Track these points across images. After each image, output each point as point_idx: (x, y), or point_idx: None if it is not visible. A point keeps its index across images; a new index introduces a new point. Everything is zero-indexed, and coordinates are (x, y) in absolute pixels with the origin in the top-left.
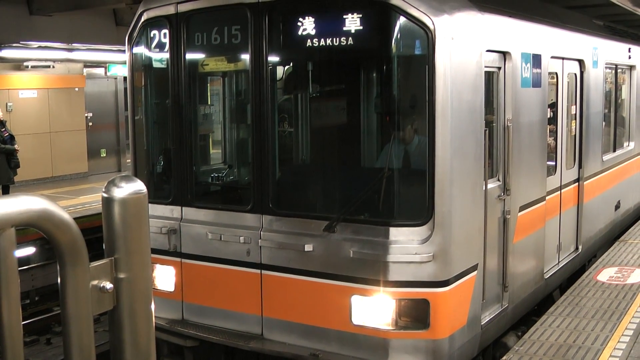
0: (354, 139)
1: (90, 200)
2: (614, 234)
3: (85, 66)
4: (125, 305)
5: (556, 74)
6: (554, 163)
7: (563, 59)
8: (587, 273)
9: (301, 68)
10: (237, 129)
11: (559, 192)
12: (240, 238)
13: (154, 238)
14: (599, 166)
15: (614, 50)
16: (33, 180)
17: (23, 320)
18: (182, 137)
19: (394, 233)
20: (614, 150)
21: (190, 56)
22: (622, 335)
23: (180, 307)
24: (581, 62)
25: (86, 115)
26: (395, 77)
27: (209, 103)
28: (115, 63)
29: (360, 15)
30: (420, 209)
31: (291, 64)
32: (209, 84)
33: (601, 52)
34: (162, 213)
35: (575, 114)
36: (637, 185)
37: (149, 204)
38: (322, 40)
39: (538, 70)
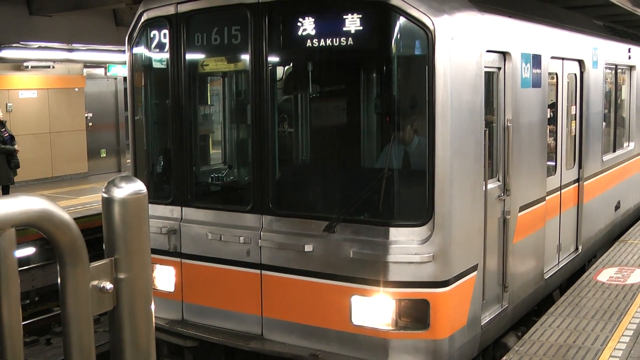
0: (354, 139)
1: (90, 201)
2: (614, 235)
3: (85, 66)
4: (125, 305)
5: (556, 74)
6: (553, 163)
7: (563, 59)
8: (587, 273)
9: (301, 68)
10: (237, 129)
11: (558, 192)
12: (240, 238)
13: (154, 238)
14: (598, 166)
15: (614, 51)
16: (33, 180)
17: (23, 321)
18: (182, 138)
19: (394, 233)
20: (614, 151)
21: (190, 56)
22: (622, 335)
23: (180, 308)
24: (581, 63)
25: (86, 115)
26: (395, 77)
27: (209, 103)
28: (115, 63)
29: (360, 16)
30: (420, 210)
31: (291, 64)
32: (209, 84)
33: (601, 53)
34: (162, 213)
35: (575, 114)
36: (637, 186)
37: (149, 204)
38: (322, 40)
39: (538, 71)
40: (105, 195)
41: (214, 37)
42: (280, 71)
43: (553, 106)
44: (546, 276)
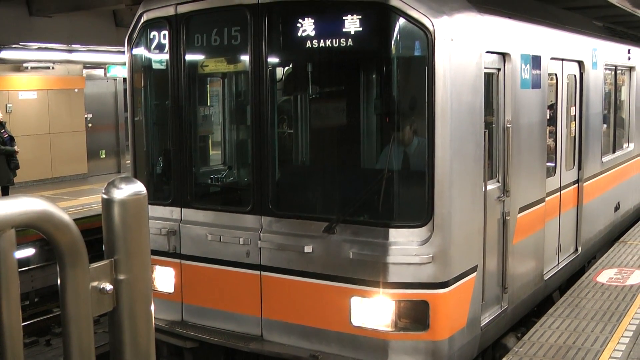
0: (354, 140)
1: (90, 202)
2: (614, 235)
3: (85, 67)
4: (125, 306)
5: (556, 75)
6: (553, 164)
7: (563, 60)
8: (586, 274)
9: (301, 69)
10: (236, 130)
11: (558, 193)
12: (240, 239)
13: (154, 239)
14: (598, 167)
15: (614, 52)
16: (33, 181)
17: (23, 322)
18: (181, 138)
19: (393, 234)
20: (614, 152)
21: (189, 57)
22: (622, 336)
23: (179, 309)
24: (581, 64)
25: (86, 116)
26: (394, 78)
27: (209, 104)
28: (115, 64)
29: (360, 17)
30: (419, 211)
31: (291, 65)
32: (208, 85)
33: (601, 54)
34: (162, 214)
35: (575, 115)
36: (636, 187)
37: (149, 205)
38: (322, 41)
39: (537, 72)
40: (105, 196)
41: (214, 38)
42: (280, 72)
43: (552, 107)
44: (546, 277)
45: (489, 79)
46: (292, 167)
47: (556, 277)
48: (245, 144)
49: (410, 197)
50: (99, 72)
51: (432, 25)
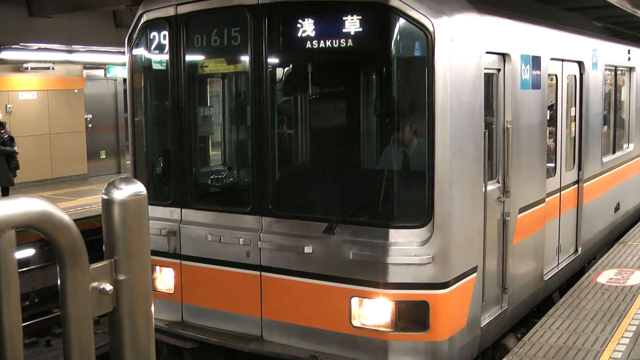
0: (354, 141)
1: (90, 202)
2: (614, 236)
3: (85, 68)
4: (125, 306)
5: (555, 75)
6: (553, 165)
7: (562, 60)
8: (586, 275)
9: (301, 70)
10: (236, 130)
11: (558, 193)
12: (240, 240)
13: (154, 240)
14: (598, 168)
15: (614, 52)
16: (33, 181)
17: (23, 322)
18: (181, 139)
19: (393, 235)
20: (614, 152)
21: (189, 58)
22: (622, 337)
23: (179, 309)
24: (581, 64)
25: (86, 116)
26: (394, 79)
27: (209, 105)
28: (114, 65)
29: (360, 17)
30: (419, 211)
31: (291, 66)
32: (208, 86)
33: (601, 54)
34: (162, 215)
35: (575, 116)
36: (636, 187)
37: (149, 206)
38: (322, 42)
39: (537, 72)
40: (105, 196)
41: (214, 39)
42: (279, 72)
43: (552, 108)
44: (546, 278)
45: (489, 80)
46: (292, 167)
47: (556, 278)
48: (245, 145)
49: (410, 197)
50: (99, 72)
51: (432, 25)
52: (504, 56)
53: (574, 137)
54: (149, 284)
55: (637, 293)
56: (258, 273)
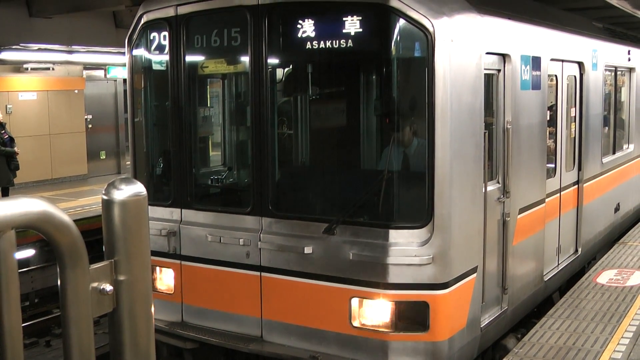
0: (354, 141)
1: (90, 203)
2: (614, 236)
3: (85, 68)
4: (125, 307)
5: (555, 76)
6: (553, 165)
7: (562, 61)
8: (586, 275)
9: (301, 70)
10: (236, 131)
11: (558, 194)
12: (240, 240)
13: (154, 240)
14: (598, 168)
15: (614, 53)
16: (32, 182)
17: (23, 323)
18: (181, 139)
19: (393, 235)
20: (614, 153)
21: (189, 58)
22: (622, 337)
23: (179, 310)
24: (581, 65)
25: (86, 117)
26: (394, 79)
27: (209, 105)
28: (114, 65)
29: (360, 18)
30: (419, 211)
31: (291, 66)
32: (208, 86)
33: (601, 55)
34: (162, 215)
35: (575, 117)
36: (636, 188)
37: (149, 206)
38: (322, 42)
39: (537, 73)
40: (105, 197)
41: (214, 39)
42: (280, 73)
43: (552, 108)
44: (546, 278)
45: (489, 80)
46: (292, 168)
47: (556, 278)
48: (245, 145)
49: (410, 198)
50: (99, 73)
51: (432, 26)
52: (504, 57)
53: (574, 137)
54: (149, 284)
55: (637, 293)
56: (258, 273)
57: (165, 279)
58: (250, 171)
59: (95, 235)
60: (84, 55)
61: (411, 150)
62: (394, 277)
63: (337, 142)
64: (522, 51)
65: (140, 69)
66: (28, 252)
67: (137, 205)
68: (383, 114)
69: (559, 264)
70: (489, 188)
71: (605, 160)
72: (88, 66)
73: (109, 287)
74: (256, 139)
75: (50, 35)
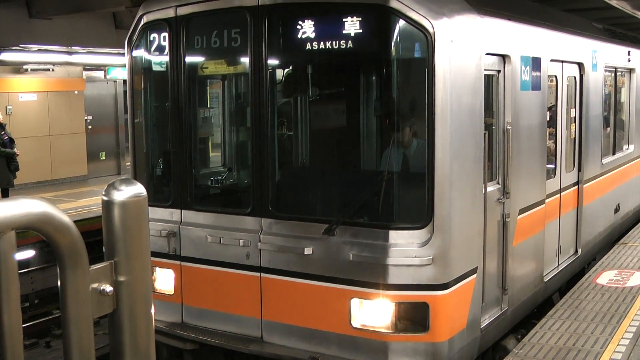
0: (354, 142)
1: (90, 203)
2: (614, 237)
3: (85, 69)
4: (125, 308)
5: (555, 77)
6: (553, 166)
7: (562, 62)
8: (586, 276)
9: (301, 71)
10: (236, 132)
11: (558, 195)
12: (240, 241)
13: (154, 241)
14: (598, 169)
15: (614, 53)
16: (32, 183)
17: (23, 323)
18: (181, 140)
19: (393, 236)
20: (614, 153)
21: (189, 59)
22: (622, 338)
23: (179, 310)
24: (581, 65)
25: (86, 118)
26: (394, 80)
27: (209, 106)
28: (114, 66)
29: (360, 19)
30: (419, 212)
31: (291, 67)
32: (208, 87)
33: (600, 55)
34: (162, 216)
35: (575, 117)
36: (636, 188)
37: (149, 207)
38: (322, 43)
39: (537, 73)
40: (105, 198)
41: (214, 40)
42: (279, 74)
43: (552, 109)
44: (546, 279)
45: (489, 81)
46: (292, 168)
47: (556, 279)
48: (245, 146)
49: (410, 198)
50: (99, 74)
51: (432, 27)
52: (503, 57)
53: (574, 138)
54: (149, 285)
55: (637, 294)
56: (258, 274)
57: (165, 279)
58: (250, 172)
59: (96, 236)
60: (83, 56)
61: (411, 151)
62: (394, 277)
63: (337, 143)
64: (522, 52)
65: (140, 69)
66: (28, 253)
67: (137, 206)
68: (383, 114)
69: (559, 265)
70: (489, 189)
71: (605, 161)
72: (88, 67)
73: (109, 288)
74: (256, 139)
75: (50, 36)
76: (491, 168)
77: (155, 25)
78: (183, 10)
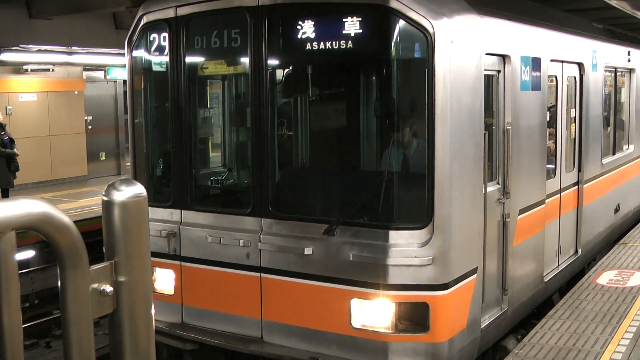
0: (354, 142)
1: (90, 204)
2: (614, 237)
3: (85, 69)
4: (125, 308)
5: (555, 77)
6: (553, 166)
7: (562, 62)
8: (586, 276)
9: (301, 71)
10: (236, 132)
11: (558, 195)
12: (240, 241)
13: (154, 241)
14: (598, 169)
15: (614, 54)
16: (33, 183)
17: (23, 324)
18: (181, 140)
19: (393, 236)
20: (614, 154)
21: (189, 59)
22: (622, 338)
23: (179, 311)
24: (580, 65)
25: (86, 118)
26: (394, 80)
27: (209, 106)
28: (114, 66)
29: (360, 19)
30: (419, 212)
31: (291, 68)
32: (208, 87)
33: (600, 55)
34: (162, 216)
35: (575, 117)
36: (636, 188)
37: (149, 207)
38: (322, 43)
39: (537, 74)
40: (105, 198)
41: (214, 40)
42: (279, 74)
43: (552, 109)
44: (546, 279)
45: (489, 81)
46: (292, 169)
47: (556, 279)
48: (245, 146)
49: (410, 199)
50: (99, 74)
51: (432, 27)
52: (503, 58)
53: (574, 138)
54: (149, 285)
55: (637, 294)
56: (258, 274)
57: (166, 280)
58: (250, 172)
59: (96, 236)
60: (83, 57)
61: (411, 151)
62: (394, 278)
63: (337, 143)
64: (522, 52)
65: (140, 70)
66: (28, 254)
67: (137, 206)
68: (383, 115)
69: (559, 265)
70: (489, 189)
71: (605, 161)
72: (88, 67)
73: (109, 288)
74: (256, 140)
75: (50, 37)
76: (491, 168)
77: (155, 26)
78: (183, 11)
